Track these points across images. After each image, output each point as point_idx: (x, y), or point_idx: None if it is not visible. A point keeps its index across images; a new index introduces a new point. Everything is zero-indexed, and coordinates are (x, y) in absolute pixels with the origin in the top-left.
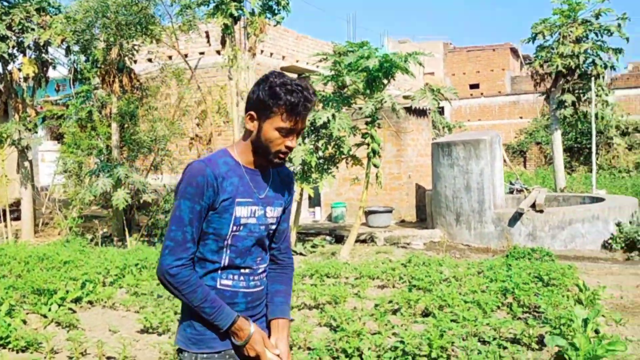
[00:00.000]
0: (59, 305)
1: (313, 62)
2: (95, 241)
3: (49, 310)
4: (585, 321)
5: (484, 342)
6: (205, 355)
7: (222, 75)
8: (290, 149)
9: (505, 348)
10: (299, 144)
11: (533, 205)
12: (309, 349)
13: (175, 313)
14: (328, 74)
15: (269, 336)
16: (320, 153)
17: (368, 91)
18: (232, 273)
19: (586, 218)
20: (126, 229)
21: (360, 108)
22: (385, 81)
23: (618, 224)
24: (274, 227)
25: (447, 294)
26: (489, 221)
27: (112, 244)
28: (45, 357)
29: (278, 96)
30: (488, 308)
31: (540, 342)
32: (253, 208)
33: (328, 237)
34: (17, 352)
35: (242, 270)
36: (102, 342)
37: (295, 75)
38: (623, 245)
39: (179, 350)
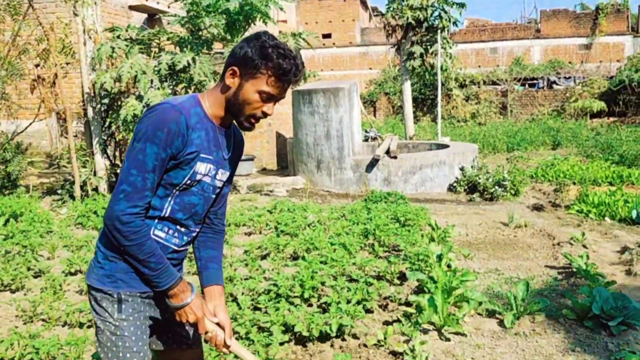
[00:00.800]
0: None
1: (166, 2)
2: None
3: None
4: (440, 257)
5: (351, 280)
6: (128, 293)
7: (64, 11)
8: (265, 115)
9: (371, 284)
10: (157, 89)
11: (387, 152)
12: None
13: (29, 269)
14: (185, 15)
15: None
16: None
17: (228, 35)
18: (169, 226)
19: (434, 163)
20: None
21: (220, 52)
22: (245, 25)
23: (462, 169)
24: (219, 190)
25: (314, 237)
26: (348, 168)
27: None
28: None
29: (269, 57)
30: (353, 249)
31: (402, 277)
32: (210, 166)
33: None
34: None
35: (179, 227)
36: None
37: (144, 15)
38: (466, 187)
39: (94, 289)
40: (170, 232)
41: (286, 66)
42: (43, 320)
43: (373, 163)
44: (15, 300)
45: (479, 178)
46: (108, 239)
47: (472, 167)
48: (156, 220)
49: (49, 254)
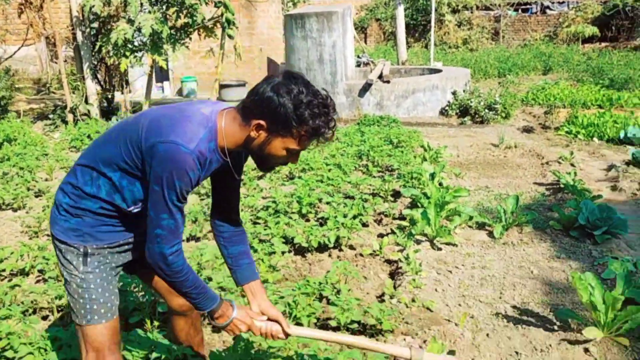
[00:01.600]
0: None
1: None
2: None
3: None
4: (432, 175)
5: (347, 198)
6: (95, 246)
7: None
8: (286, 163)
9: (366, 200)
10: (148, 12)
11: (380, 77)
12: None
13: (29, 189)
14: None
15: (248, 303)
16: (170, 23)
17: None
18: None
19: (427, 87)
20: None
21: None
22: None
23: (454, 93)
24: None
25: (309, 158)
26: (341, 92)
27: None
28: None
29: (304, 119)
30: (347, 169)
31: (395, 195)
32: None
33: None
34: None
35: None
36: None
37: None
38: (457, 111)
39: (58, 241)
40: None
41: (322, 127)
42: (47, 235)
43: (366, 87)
44: (19, 217)
45: (471, 102)
46: (74, 192)
47: (464, 91)
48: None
49: (47, 175)
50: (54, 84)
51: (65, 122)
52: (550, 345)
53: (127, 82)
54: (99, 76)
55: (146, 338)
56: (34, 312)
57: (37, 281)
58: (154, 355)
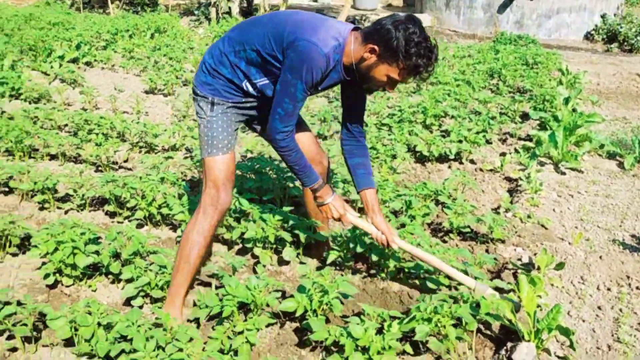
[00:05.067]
0: (60, 65)
1: None
2: (76, 6)
3: (51, 67)
4: (567, 99)
5: (473, 113)
6: (219, 100)
7: None
8: (384, 90)
9: (493, 118)
10: None
11: None
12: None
13: (177, 78)
14: None
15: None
16: None
17: None
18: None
19: (574, 7)
20: None
21: None
22: None
23: (603, 16)
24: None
25: (438, 72)
26: (478, 7)
27: (93, 11)
28: (57, 108)
29: (410, 55)
30: (477, 86)
31: (524, 117)
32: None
33: None
34: (30, 103)
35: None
36: (114, 97)
37: None
38: (604, 36)
39: (195, 93)
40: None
41: (422, 67)
42: (194, 120)
43: (507, 3)
44: (169, 101)
45: (621, 27)
46: (219, 56)
47: (615, 15)
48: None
49: (192, 67)
50: None
51: (208, 19)
52: None
53: None
54: None
55: (280, 211)
56: (184, 181)
57: (185, 157)
58: (291, 222)
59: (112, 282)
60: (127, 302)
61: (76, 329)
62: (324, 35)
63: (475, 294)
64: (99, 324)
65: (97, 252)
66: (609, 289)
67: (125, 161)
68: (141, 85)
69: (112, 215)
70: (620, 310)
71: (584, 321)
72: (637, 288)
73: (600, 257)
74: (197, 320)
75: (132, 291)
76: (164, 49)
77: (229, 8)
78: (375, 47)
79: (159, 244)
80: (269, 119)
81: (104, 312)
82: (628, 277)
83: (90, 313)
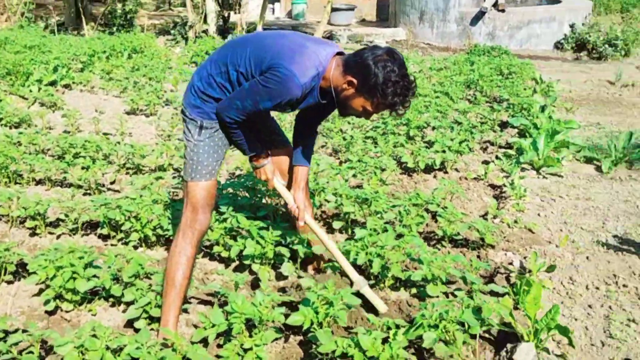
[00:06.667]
0: (38, 89)
1: None
2: (50, 29)
3: (30, 91)
4: (543, 107)
5: (454, 124)
6: (208, 122)
7: None
8: (359, 118)
9: (474, 127)
10: None
11: (495, 5)
12: None
13: (159, 97)
14: None
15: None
16: None
17: None
18: None
19: (543, 19)
20: (82, 18)
21: None
22: None
23: (572, 25)
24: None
25: (418, 84)
26: (452, 20)
27: (68, 33)
28: (40, 132)
29: (386, 94)
30: (456, 97)
31: (502, 125)
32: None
33: None
34: (11, 128)
35: None
36: (97, 119)
37: None
38: (574, 45)
39: (184, 115)
40: None
41: (398, 105)
42: (179, 140)
43: (479, 16)
44: (153, 121)
45: (589, 36)
46: (207, 79)
47: (582, 24)
48: None
49: (173, 87)
50: (176, 1)
51: (185, 38)
52: None
53: (239, 4)
54: None
55: (276, 226)
56: (174, 201)
57: (174, 177)
58: (287, 238)
59: (112, 305)
60: (129, 324)
61: (83, 354)
62: (305, 64)
63: (354, 287)
64: (107, 347)
65: (96, 276)
66: (597, 288)
67: (112, 183)
68: (122, 107)
69: (104, 238)
70: (610, 307)
71: (576, 320)
72: (624, 286)
73: (587, 258)
74: (204, 340)
75: (135, 312)
76: (142, 69)
77: (206, 28)
78: (354, 80)
79: (155, 264)
80: (225, 101)
81: (109, 335)
82: (615, 276)
83: (96, 337)
